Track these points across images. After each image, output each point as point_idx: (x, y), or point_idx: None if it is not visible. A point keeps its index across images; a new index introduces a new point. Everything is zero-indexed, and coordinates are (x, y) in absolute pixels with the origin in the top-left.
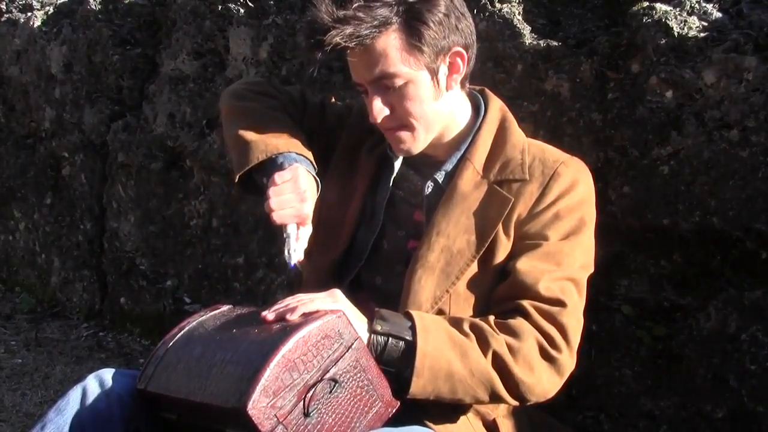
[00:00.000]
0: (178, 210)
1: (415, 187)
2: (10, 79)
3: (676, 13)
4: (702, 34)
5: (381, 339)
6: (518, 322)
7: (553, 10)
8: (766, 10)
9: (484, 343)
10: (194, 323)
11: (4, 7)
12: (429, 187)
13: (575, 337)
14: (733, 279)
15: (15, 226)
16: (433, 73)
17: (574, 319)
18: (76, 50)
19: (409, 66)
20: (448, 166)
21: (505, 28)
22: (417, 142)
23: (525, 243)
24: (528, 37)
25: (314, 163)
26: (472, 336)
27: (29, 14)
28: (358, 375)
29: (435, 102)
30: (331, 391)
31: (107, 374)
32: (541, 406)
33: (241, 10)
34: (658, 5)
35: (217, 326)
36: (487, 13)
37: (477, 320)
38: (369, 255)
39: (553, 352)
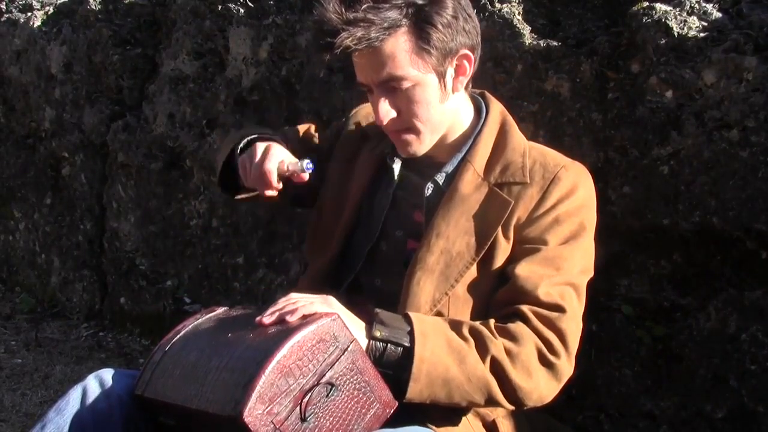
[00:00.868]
0: (178, 210)
1: (416, 187)
2: (10, 79)
3: (676, 13)
4: (702, 34)
5: (380, 345)
6: (517, 327)
7: (553, 10)
8: (766, 10)
9: (482, 348)
10: (190, 327)
11: (4, 7)
12: (429, 188)
13: (574, 342)
14: (733, 279)
15: (15, 226)
16: (441, 76)
17: (573, 324)
18: (76, 50)
19: (417, 69)
20: (449, 168)
21: (505, 28)
22: (422, 144)
23: (524, 247)
24: (528, 37)
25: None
26: (471, 340)
27: (29, 14)
28: (355, 377)
29: (441, 104)
30: (327, 395)
31: (107, 374)
32: (540, 406)
33: (241, 10)
34: (658, 5)
35: (213, 330)
36: (487, 13)
37: (477, 324)
38: (367, 258)
39: (551, 358)
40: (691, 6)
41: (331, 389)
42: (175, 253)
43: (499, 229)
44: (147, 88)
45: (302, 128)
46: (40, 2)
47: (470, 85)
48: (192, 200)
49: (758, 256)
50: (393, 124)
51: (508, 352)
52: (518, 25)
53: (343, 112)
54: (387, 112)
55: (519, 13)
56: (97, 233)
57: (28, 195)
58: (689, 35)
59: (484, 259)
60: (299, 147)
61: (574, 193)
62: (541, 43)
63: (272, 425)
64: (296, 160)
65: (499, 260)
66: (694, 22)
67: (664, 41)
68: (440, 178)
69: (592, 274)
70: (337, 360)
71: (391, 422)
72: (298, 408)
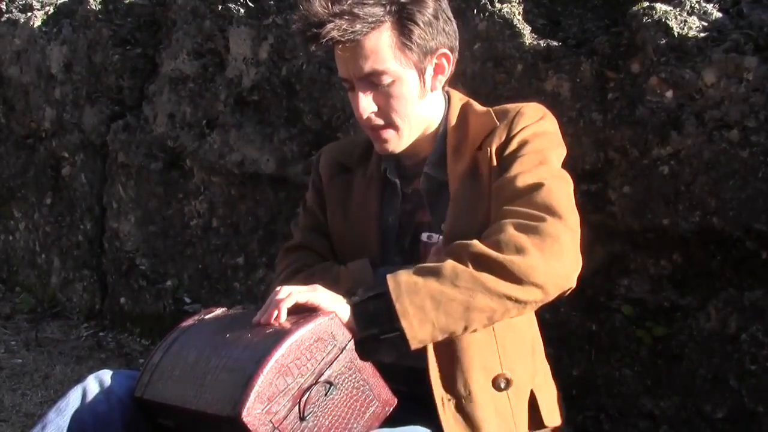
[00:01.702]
0: (178, 210)
1: (415, 191)
2: (10, 79)
3: (676, 13)
4: (702, 34)
5: (361, 306)
6: (495, 224)
7: (553, 10)
8: (766, 10)
9: (461, 255)
10: (189, 328)
11: (4, 7)
12: (422, 182)
13: (562, 209)
14: (733, 279)
15: (15, 226)
16: (421, 73)
17: (557, 194)
18: (76, 50)
19: (399, 64)
20: (431, 157)
21: (505, 28)
22: (401, 140)
23: (500, 165)
24: (528, 37)
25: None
26: (446, 258)
27: (29, 14)
28: (353, 376)
29: (420, 101)
30: (326, 394)
31: (107, 375)
32: None
33: (241, 10)
34: (658, 5)
35: (212, 330)
36: (487, 13)
37: (452, 243)
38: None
39: (533, 223)
40: (691, 6)
41: (329, 388)
42: (175, 253)
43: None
44: (147, 88)
45: (306, 224)
46: (40, 2)
47: (446, 86)
48: (192, 200)
49: (758, 256)
50: (372, 120)
51: (488, 244)
52: (518, 25)
53: (343, 112)
54: (367, 106)
55: (519, 13)
56: (97, 233)
57: (28, 195)
58: (689, 35)
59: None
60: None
61: (539, 120)
62: (541, 43)
63: (271, 425)
64: None
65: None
66: (694, 22)
67: (664, 41)
68: (428, 168)
69: (571, 182)
70: (336, 358)
71: (392, 422)
72: (297, 407)
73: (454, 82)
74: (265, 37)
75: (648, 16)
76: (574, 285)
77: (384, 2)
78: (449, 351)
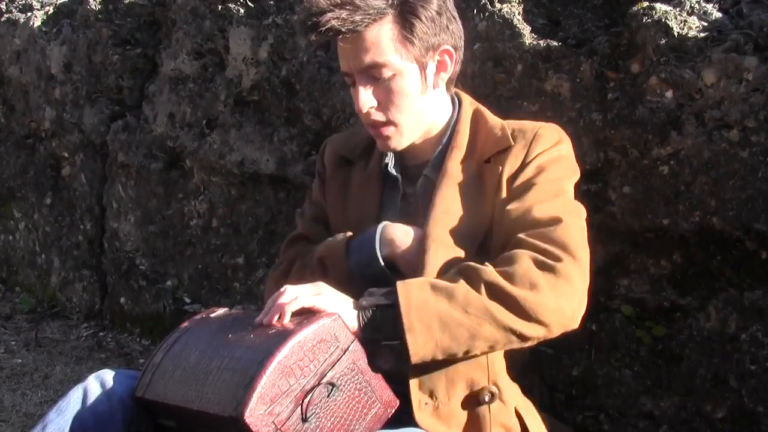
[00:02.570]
0: (178, 210)
1: (412, 192)
2: (10, 79)
3: (676, 13)
4: (702, 34)
5: (368, 312)
6: (511, 252)
7: (553, 10)
8: (766, 10)
9: (473, 280)
10: (190, 328)
11: (4, 7)
12: (420, 184)
13: (577, 249)
14: (733, 279)
15: (15, 226)
16: (422, 68)
17: (574, 232)
18: (76, 50)
19: (399, 57)
20: (434, 160)
21: (505, 28)
22: (402, 137)
23: (514, 189)
24: (528, 37)
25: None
26: (460, 278)
27: (29, 14)
28: (356, 377)
29: (421, 97)
30: (328, 395)
31: (108, 375)
32: (540, 406)
33: (241, 10)
34: (658, 5)
35: (213, 331)
36: (487, 13)
37: (465, 263)
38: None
39: (550, 262)
40: (691, 6)
41: (332, 389)
42: (175, 253)
43: (495, 193)
44: (147, 88)
45: (310, 215)
46: (40, 2)
47: (452, 88)
48: (192, 200)
49: (758, 256)
50: (373, 115)
51: (503, 274)
52: (518, 25)
53: (343, 112)
54: (367, 100)
55: (519, 13)
56: (97, 233)
57: (28, 195)
58: (689, 35)
59: (490, 232)
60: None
61: (557, 145)
62: (541, 43)
63: (273, 426)
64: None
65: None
66: (694, 22)
67: (664, 41)
68: (427, 170)
69: (584, 211)
70: (338, 360)
71: (391, 423)
72: (300, 408)
73: (455, 82)
74: (265, 37)
75: (648, 16)
76: (577, 326)
77: None
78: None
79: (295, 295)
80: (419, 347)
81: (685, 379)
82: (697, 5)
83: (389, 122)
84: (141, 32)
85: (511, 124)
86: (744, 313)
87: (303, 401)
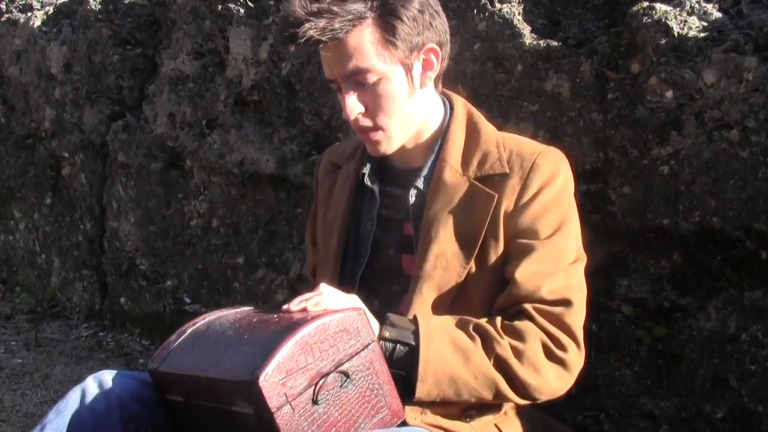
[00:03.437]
0: (178, 210)
1: (399, 200)
2: (10, 79)
3: (676, 13)
4: (702, 34)
5: (389, 345)
6: (523, 324)
7: (553, 10)
8: (766, 10)
9: (488, 347)
10: (214, 316)
11: (4, 7)
12: (412, 196)
13: (581, 332)
14: (733, 279)
15: (15, 226)
16: (408, 69)
17: (579, 315)
18: (76, 50)
19: (383, 61)
20: (426, 171)
21: (505, 28)
22: (392, 141)
23: (518, 243)
24: (528, 37)
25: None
26: (477, 338)
27: (29, 14)
28: (370, 377)
29: (409, 99)
30: (341, 385)
31: (107, 375)
32: (540, 406)
33: (241, 10)
34: (658, 5)
35: (237, 318)
36: (487, 13)
37: (483, 322)
38: (361, 282)
39: (559, 353)
40: (691, 6)
41: (345, 380)
42: (175, 253)
43: (488, 223)
44: (147, 88)
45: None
46: (40, 2)
47: (440, 85)
48: (192, 200)
49: (758, 256)
50: (361, 121)
51: (514, 350)
52: (518, 25)
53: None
54: (354, 106)
55: (519, 13)
56: (97, 233)
57: (28, 195)
58: (689, 35)
59: (480, 256)
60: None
61: (555, 178)
62: (541, 43)
63: (284, 397)
64: None
65: (493, 255)
66: (694, 22)
67: (664, 41)
68: (420, 183)
69: (585, 258)
70: (357, 354)
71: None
72: (312, 388)
73: (454, 82)
74: (265, 37)
75: (648, 16)
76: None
77: None
78: None
79: (327, 298)
80: (424, 394)
81: (685, 379)
82: (697, 5)
83: (378, 127)
84: (141, 32)
85: (507, 143)
86: (744, 313)
87: (317, 383)
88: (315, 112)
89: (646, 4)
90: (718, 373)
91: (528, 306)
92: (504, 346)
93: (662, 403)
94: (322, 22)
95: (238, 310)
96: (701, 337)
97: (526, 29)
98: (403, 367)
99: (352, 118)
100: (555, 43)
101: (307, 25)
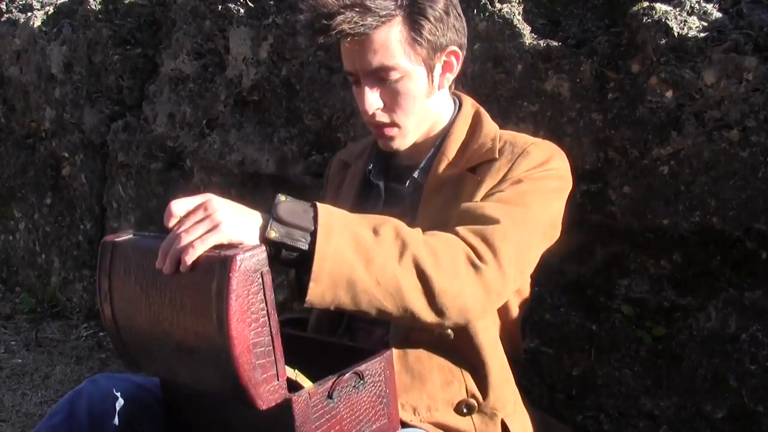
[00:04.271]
0: None
1: (401, 195)
2: (10, 79)
3: (676, 13)
4: (702, 34)
5: (275, 247)
6: (447, 234)
7: (553, 10)
8: (766, 10)
9: (401, 244)
10: (117, 258)
11: (4, 7)
12: (409, 187)
13: (508, 262)
14: (733, 279)
15: (15, 226)
16: (429, 70)
17: (511, 244)
18: (76, 50)
19: (408, 59)
20: (424, 163)
21: (505, 28)
22: (406, 138)
23: (485, 197)
24: (528, 37)
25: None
26: (385, 237)
27: (29, 14)
28: (380, 385)
29: (426, 99)
30: (354, 386)
31: (104, 378)
32: (540, 406)
33: (241, 10)
34: (658, 5)
35: (140, 270)
36: (487, 13)
37: (402, 224)
38: None
39: (478, 262)
40: (691, 6)
41: (359, 382)
42: None
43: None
44: (147, 88)
45: None
46: (40, 2)
47: (453, 86)
48: None
49: (758, 256)
50: (378, 116)
51: (430, 249)
52: (518, 25)
53: (343, 112)
54: (374, 102)
55: (519, 13)
56: (97, 233)
57: (28, 195)
58: (689, 35)
59: None
60: None
61: (543, 165)
62: (541, 43)
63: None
64: None
65: None
66: (694, 22)
67: (664, 41)
68: (417, 173)
69: (553, 235)
70: (373, 358)
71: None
72: (330, 382)
73: (455, 82)
74: (265, 37)
75: (648, 16)
76: (468, 323)
77: None
78: (413, 377)
79: (189, 239)
80: (317, 297)
81: (685, 379)
82: (697, 5)
83: (394, 124)
84: (141, 32)
85: (504, 136)
86: (744, 313)
87: (335, 380)
88: (315, 112)
89: (646, 4)
90: (718, 373)
91: (458, 227)
92: (418, 243)
93: (662, 403)
94: (355, 16)
95: (127, 241)
96: (701, 337)
97: (526, 29)
98: (294, 264)
99: (371, 113)
100: (555, 43)
101: (339, 18)
